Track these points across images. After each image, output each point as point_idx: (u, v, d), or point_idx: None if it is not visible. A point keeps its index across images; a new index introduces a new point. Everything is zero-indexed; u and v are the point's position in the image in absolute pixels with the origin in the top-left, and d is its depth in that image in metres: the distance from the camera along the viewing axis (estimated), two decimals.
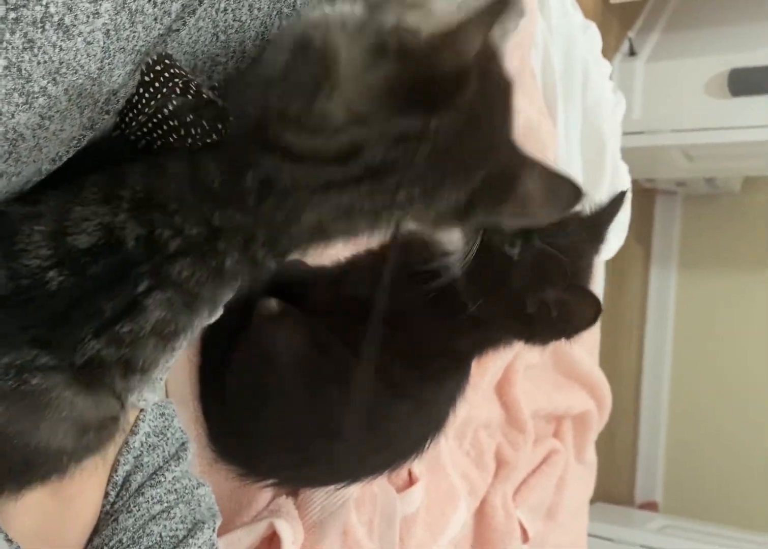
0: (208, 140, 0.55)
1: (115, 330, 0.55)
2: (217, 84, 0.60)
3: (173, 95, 0.55)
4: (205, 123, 0.55)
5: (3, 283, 0.52)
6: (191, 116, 0.55)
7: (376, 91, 0.51)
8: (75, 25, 0.45)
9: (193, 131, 0.55)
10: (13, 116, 0.47)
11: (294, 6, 0.60)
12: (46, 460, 0.59)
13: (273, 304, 0.87)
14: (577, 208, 0.78)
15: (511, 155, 0.58)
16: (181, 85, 0.55)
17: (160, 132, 0.56)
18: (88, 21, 0.45)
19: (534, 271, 0.77)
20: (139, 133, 0.56)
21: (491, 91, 0.55)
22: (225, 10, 0.56)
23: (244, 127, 0.55)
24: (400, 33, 0.50)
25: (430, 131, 0.52)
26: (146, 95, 0.55)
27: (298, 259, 0.94)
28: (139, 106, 0.55)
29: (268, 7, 0.59)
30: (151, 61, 0.54)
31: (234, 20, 0.58)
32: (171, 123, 0.55)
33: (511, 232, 0.78)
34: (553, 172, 0.59)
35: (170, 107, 0.55)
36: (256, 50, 0.62)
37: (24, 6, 0.43)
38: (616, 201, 0.82)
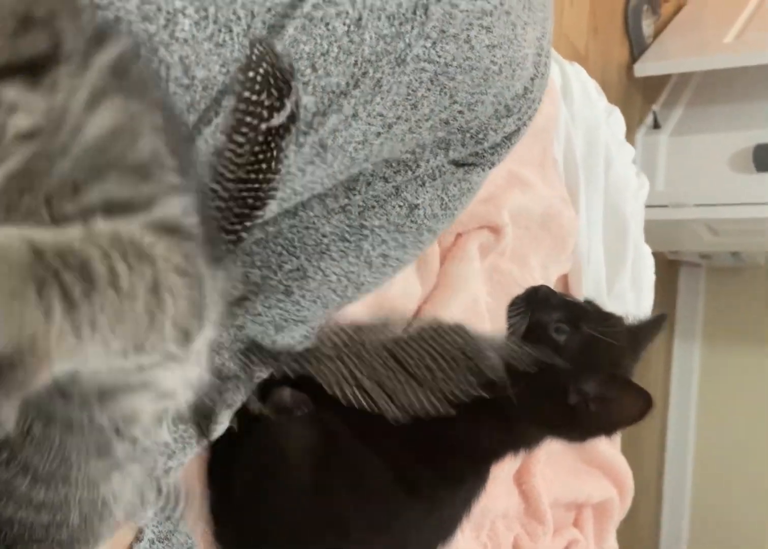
0: None
1: None
2: None
3: None
4: None
5: None
6: None
7: None
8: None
9: None
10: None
11: None
12: None
13: (286, 394, 0.86)
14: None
15: None
16: None
17: None
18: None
19: (580, 357, 0.76)
20: None
21: None
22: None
23: None
24: None
25: None
26: None
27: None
28: None
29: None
30: None
31: None
32: None
33: (559, 317, 0.78)
34: None
35: None
36: None
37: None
38: (657, 323, 0.82)
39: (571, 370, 0.75)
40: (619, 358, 0.77)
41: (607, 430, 0.78)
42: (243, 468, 0.84)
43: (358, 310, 0.93)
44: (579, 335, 0.76)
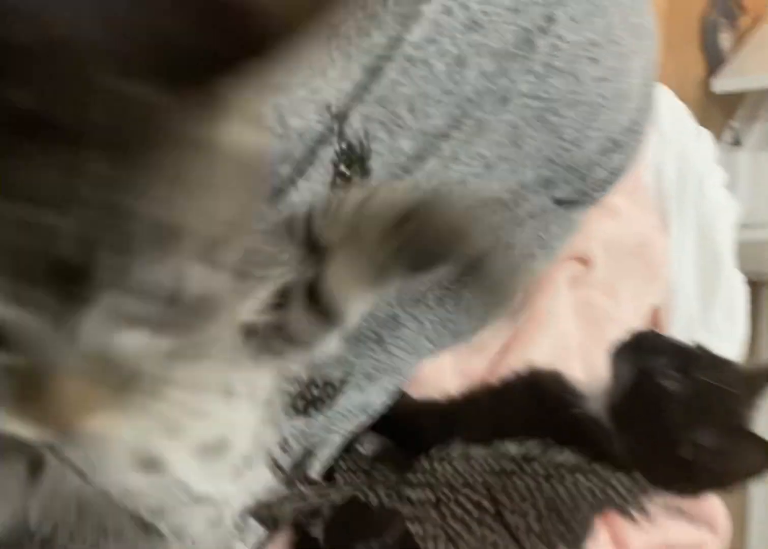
0: None
1: None
2: None
3: None
4: None
5: None
6: None
7: None
8: None
9: None
10: None
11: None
12: None
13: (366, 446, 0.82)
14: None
15: None
16: None
17: None
18: None
19: (693, 406, 0.71)
20: None
21: None
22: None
23: None
24: None
25: None
26: None
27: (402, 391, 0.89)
28: None
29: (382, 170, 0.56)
30: None
31: None
32: None
33: (668, 363, 0.73)
34: None
35: None
36: None
37: None
38: None
39: (682, 420, 0.70)
40: (735, 406, 0.71)
41: (724, 484, 0.73)
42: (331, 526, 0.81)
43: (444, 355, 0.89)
44: (690, 382, 0.70)
